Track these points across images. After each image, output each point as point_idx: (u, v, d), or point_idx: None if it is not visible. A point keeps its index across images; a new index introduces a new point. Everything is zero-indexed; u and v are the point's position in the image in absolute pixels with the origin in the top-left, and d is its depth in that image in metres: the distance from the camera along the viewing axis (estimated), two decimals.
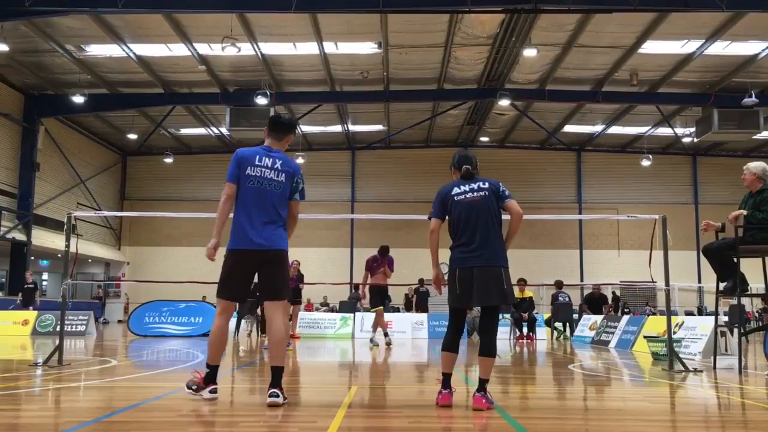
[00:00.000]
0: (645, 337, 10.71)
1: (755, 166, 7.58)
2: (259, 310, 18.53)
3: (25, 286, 19.99)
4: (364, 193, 33.22)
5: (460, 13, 18.27)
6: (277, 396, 4.75)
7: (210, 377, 5.00)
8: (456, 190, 5.00)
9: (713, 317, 9.12)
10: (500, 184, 5.07)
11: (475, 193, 4.95)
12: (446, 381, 4.92)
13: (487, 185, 5.00)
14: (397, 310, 23.46)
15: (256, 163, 5.00)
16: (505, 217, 5.11)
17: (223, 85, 24.19)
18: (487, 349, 4.86)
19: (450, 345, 5.00)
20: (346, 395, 5.46)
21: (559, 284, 18.45)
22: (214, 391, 4.99)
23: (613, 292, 28.10)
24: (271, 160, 5.02)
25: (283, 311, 5.00)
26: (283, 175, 5.02)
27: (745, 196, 7.71)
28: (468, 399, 5.37)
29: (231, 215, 5.15)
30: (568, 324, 17.89)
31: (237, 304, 5.19)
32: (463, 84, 24.24)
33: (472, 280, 4.81)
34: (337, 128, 30.36)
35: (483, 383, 4.77)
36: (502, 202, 5.01)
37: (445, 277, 5.03)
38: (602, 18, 18.56)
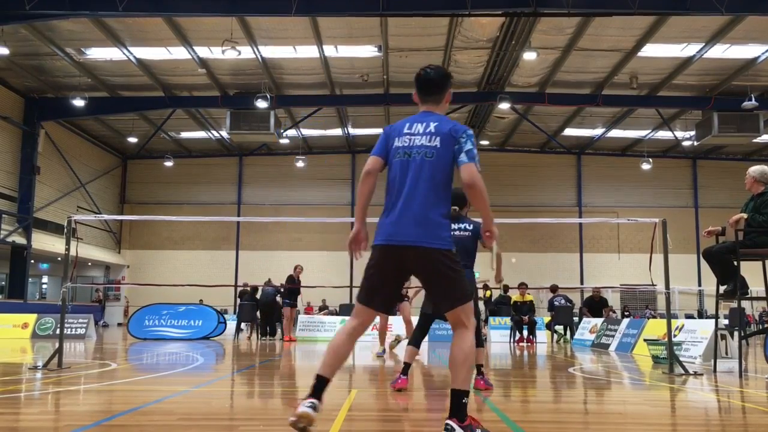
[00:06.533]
0: (645, 340, 10.70)
1: (753, 169, 7.63)
2: (258, 314, 18.55)
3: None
4: None
5: (460, 17, 18.29)
6: (452, 430, 3.51)
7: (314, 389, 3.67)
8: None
9: (713, 320, 9.11)
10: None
11: (462, 232, 6.13)
12: (406, 369, 6.21)
13: (471, 227, 6.16)
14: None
15: (405, 131, 3.78)
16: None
17: (223, 88, 24.21)
18: (477, 342, 5.84)
19: (416, 342, 6.53)
20: (346, 399, 5.45)
21: (554, 288, 18.54)
22: (310, 407, 3.57)
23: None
24: (423, 124, 3.75)
25: (467, 319, 3.67)
26: (438, 138, 3.67)
27: (747, 199, 7.72)
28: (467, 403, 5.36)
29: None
30: (568, 327, 17.90)
31: (378, 313, 3.82)
32: (463, 87, 24.24)
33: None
34: (337, 131, 30.39)
35: (479, 368, 6.05)
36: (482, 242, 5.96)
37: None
38: (602, 21, 18.59)
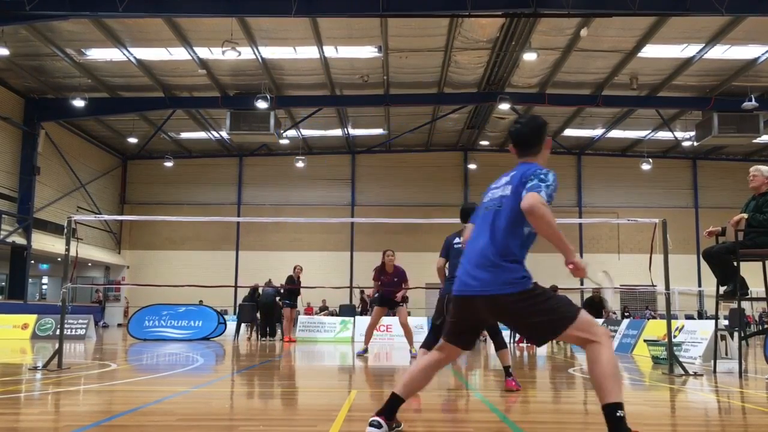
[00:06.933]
0: (645, 340, 10.70)
1: (766, 168, 7.53)
2: (258, 315, 18.55)
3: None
4: (364, 197, 33.23)
5: (460, 17, 18.30)
6: None
7: (385, 405, 3.80)
8: (456, 240, 6.94)
9: (713, 321, 9.11)
10: None
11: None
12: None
13: None
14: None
15: (492, 187, 3.79)
16: None
17: (223, 89, 24.21)
18: (499, 344, 6.54)
19: (428, 345, 6.52)
20: (346, 399, 5.45)
21: (553, 289, 18.52)
22: (374, 426, 3.69)
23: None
24: (508, 176, 3.70)
25: (589, 334, 3.46)
26: (510, 187, 3.61)
27: (748, 199, 7.70)
28: (468, 404, 5.37)
29: None
30: None
31: (450, 346, 3.81)
32: (463, 88, 24.26)
33: None
34: (338, 132, 30.39)
35: (507, 369, 6.32)
36: None
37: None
38: (602, 22, 18.59)
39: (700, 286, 31.78)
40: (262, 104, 22.32)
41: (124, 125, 28.94)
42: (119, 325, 29.93)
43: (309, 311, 27.20)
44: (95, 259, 30.58)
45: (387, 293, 11.44)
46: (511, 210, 3.55)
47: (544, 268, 34.92)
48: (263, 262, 31.37)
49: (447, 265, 7.17)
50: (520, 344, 16.30)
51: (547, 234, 3.49)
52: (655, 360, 9.61)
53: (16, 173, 25.26)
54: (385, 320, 16.80)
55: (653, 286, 9.10)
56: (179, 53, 21.00)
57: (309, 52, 21.03)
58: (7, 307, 21.25)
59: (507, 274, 3.48)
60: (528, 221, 3.48)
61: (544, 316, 3.47)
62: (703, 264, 8.31)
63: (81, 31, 19.54)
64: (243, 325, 19.28)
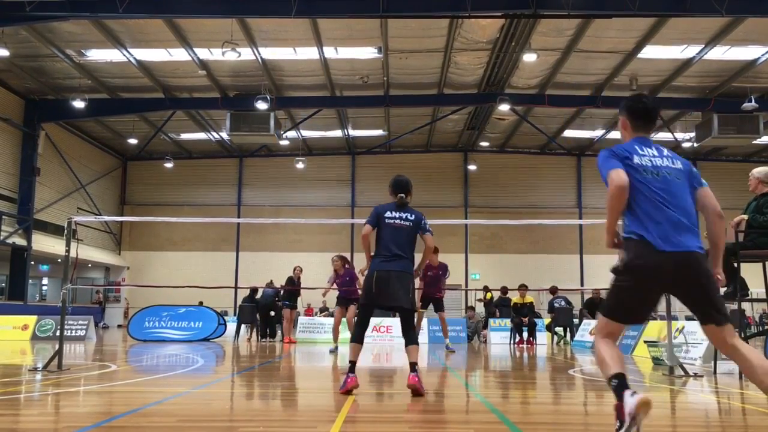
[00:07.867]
0: (645, 341, 10.70)
1: (758, 170, 7.59)
2: (258, 316, 18.55)
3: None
4: (364, 198, 33.21)
5: (460, 18, 18.31)
6: None
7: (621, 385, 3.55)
8: (388, 214, 6.11)
9: None
10: (423, 218, 6.15)
11: (403, 222, 6.05)
12: (352, 367, 5.87)
13: (413, 217, 6.09)
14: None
15: (641, 152, 3.86)
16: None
17: (223, 89, 24.22)
18: (412, 340, 5.99)
19: (358, 337, 6.09)
20: (346, 401, 5.45)
21: (553, 290, 18.59)
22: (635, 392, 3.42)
23: None
24: (660, 150, 3.86)
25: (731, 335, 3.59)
26: (682, 166, 3.85)
27: (750, 200, 7.71)
28: (468, 405, 5.37)
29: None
30: (568, 328, 17.89)
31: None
32: (463, 89, 24.26)
33: (388, 281, 5.84)
34: (338, 133, 30.40)
35: (414, 366, 5.72)
36: (422, 233, 6.11)
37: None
38: (602, 23, 18.60)
39: None
40: (262, 105, 22.32)
41: (124, 126, 28.95)
42: (119, 326, 29.91)
43: (309, 312, 27.19)
44: (95, 260, 30.57)
45: (344, 293, 12.83)
46: (690, 188, 3.82)
47: (546, 269, 35.00)
48: (263, 263, 31.38)
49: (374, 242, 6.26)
50: (521, 345, 16.29)
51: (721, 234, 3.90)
52: (656, 361, 9.61)
53: (17, 174, 25.27)
54: (386, 321, 16.90)
55: None
56: (179, 54, 21.01)
57: (309, 53, 21.04)
58: (7, 308, 21.25)
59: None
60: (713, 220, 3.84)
61: (715, 290, 3.57)
62: None
63: (81, 32, 19.55)
64: (243, 326, 19.27)
